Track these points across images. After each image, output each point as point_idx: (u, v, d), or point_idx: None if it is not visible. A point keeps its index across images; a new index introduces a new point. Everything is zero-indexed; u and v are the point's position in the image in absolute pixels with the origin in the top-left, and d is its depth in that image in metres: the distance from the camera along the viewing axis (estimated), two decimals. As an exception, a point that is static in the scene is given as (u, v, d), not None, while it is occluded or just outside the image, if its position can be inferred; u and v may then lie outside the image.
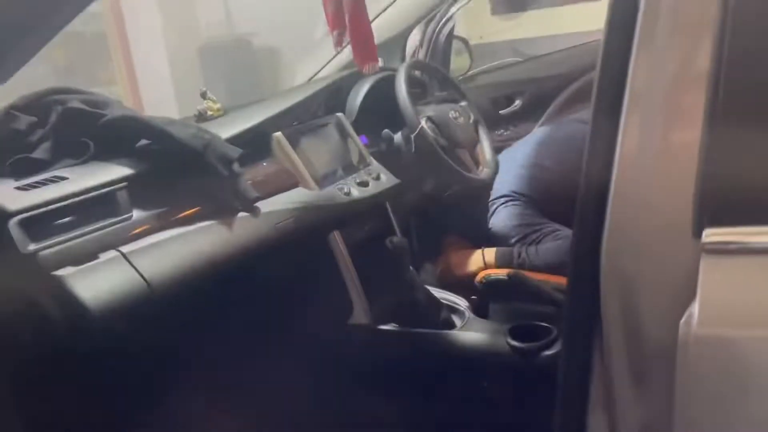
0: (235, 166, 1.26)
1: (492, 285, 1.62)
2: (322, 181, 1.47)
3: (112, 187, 1.09)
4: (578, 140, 1.90)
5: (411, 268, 1.54)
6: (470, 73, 2.42)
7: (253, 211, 1.27)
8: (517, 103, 2.43)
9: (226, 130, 1.37)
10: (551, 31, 3.40)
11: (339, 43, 1.78)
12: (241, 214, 1.24)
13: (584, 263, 0.69)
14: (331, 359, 1.51)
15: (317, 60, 2.29)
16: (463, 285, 1.73)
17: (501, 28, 3.59)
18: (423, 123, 1.68)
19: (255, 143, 1.41)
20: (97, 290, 0.98)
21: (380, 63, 1.84)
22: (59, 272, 0.97)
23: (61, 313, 0.96)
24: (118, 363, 1.08)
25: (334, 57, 2.22)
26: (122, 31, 3.90)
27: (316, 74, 2.24)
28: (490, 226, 1.75)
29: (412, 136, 1.67)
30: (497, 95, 2.40)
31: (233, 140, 1.33)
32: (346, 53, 2.16)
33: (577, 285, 0.71)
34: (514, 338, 1.41)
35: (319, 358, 1.48)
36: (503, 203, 1.74)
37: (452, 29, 2.25)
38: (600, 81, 0.67)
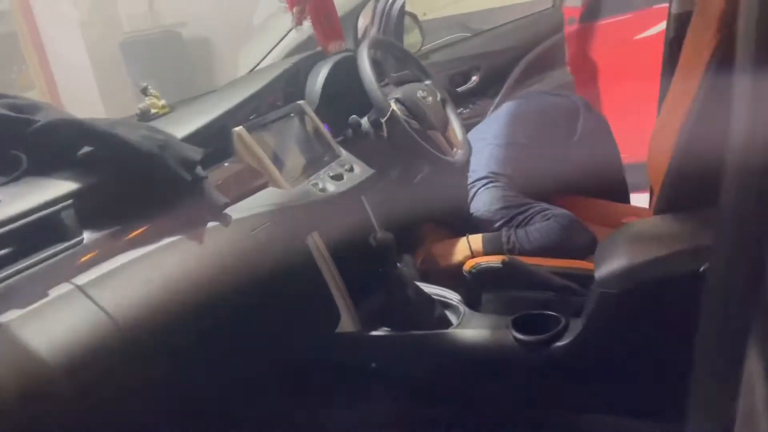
0: (198, 169, 1.09)
1: (483, 274, 1.49)
2: (293, 178, 1.32)
3: (55, 207, 0.92)
4: (549, 114, 1.85)
5: (398, 264, 1.40)
6: (423, 50, 2.30)
7: (224, 218, 1.11)
8: (474, 79, 2.34)
9: (178, 129, 1.21)
10: (493, 4, 3.34)
11: (299, 22, 1.61)
12: (211, 223, 1.09)
13: (741, 252, 0.55)
14: (321, 373, 1.36)
15: (259, 47, 2.12)
16: (447, 276, 1.60)
17: (444, 3, 3.48)
18: (393, 106, 1.54)
19: (213, 142, 1.25)
20: (51, 335, 0.82)
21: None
22: (2, 318, 0.80)
23: (10, 368, 0.78)
24: (87, 416, 0.90)
25: (279, 42, 2.06)
26: (33, 30, 3.56)
27: (260, 62, 2.08)
28: (472, 211, 1.63)
29: (383, 120, 1.53)
30: (452, 72, 2.30)
31: (188, 140, 1.17)
32: (292, 36, 2.00)
33: (731, 281, 0.58)
34: (518, 330, 1.30)
35: (308, 373, 1.33)
36: (484, 185, 1.62)
37: (403, 5, 2.12)
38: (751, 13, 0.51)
